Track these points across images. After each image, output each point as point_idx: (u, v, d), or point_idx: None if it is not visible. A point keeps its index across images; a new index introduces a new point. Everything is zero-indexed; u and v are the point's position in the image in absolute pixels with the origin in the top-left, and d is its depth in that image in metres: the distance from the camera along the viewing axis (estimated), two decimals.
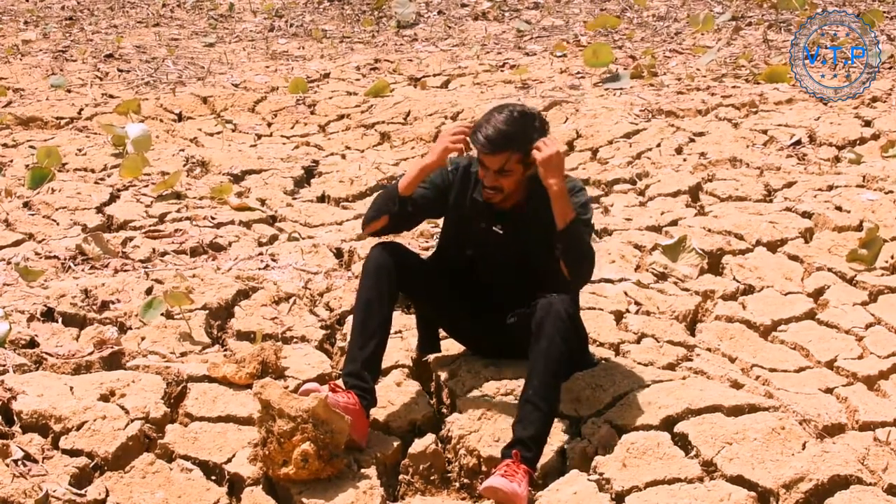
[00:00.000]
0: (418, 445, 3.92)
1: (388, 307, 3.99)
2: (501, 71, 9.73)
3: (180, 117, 8.77)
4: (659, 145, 7.26)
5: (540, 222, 3.89)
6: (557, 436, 3.85)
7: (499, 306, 4.09)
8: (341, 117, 8.63)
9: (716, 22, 10.94)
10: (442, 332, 4.40)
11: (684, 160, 6.95)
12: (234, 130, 8.46)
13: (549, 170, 3.79)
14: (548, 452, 3.78)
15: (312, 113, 8.79)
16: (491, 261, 4.09)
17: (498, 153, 3.84)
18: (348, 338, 4.09)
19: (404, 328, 4.62)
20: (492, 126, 3.84)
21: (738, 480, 3.53)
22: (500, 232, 4.04)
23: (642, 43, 10.57)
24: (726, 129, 7.48)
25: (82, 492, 3.56)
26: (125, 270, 5.26)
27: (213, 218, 6.09)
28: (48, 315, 4.68)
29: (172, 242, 5.70)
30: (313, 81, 9.71)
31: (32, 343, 4.44)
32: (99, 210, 6.26)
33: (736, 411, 3.84)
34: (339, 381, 3.92)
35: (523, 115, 3.88)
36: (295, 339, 4.62)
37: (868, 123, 7.44)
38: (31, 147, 7.60)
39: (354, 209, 6.48)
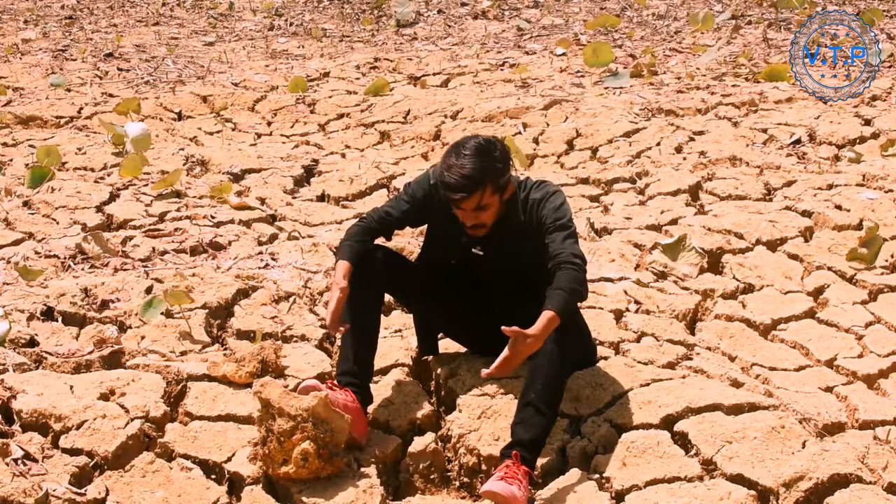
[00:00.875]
0: (418, 444, 3.93)
1: (376, 305, 4.05)
2: (501, 70, 9.72)
3: (180, 116, 8.77)
4: (659, 144, 7.25)
5: (518, 233, 3.89)
6: (557, 435, 3.85)
7: (495, 305, 4.09)
8: (341, 116, 8.63)
9: (715, 21, 10.94)
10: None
11: (684, 159, 6.94)
12: (233, 129, 8.46)
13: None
14: (548, 451, 3.78)
15: (312, 112, 8.78)
16: (476, 271, 4.09)
17: (469, 198, 3.75)
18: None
19: (404, 327, 4.62)
20: (454, 175, 3.72)
21: (738, 479, 3.53)
22: (481, 253, 4.02)
23: (642, 42, 10.57)
24: (726, 128, 7.47)
25: (82, 491, 3.56)
26: (125, 269, 5.26)
27: (212, 217, 6.09)
28: (48, 314, 4.68)
29: (172, 241, 5.70)
30: (313, 80, 9.70)
31: (32, 342, 4.44)
32: (99, 209, 6.25)
33: (736, 410, 3.85)
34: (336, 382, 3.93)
35: (479, 150, 3.75)
36: (295, 338, 4.62)
37: (868, 122, 7.43)
38: (31, 146, 7.59)
39: (354, 208, 6.48)
